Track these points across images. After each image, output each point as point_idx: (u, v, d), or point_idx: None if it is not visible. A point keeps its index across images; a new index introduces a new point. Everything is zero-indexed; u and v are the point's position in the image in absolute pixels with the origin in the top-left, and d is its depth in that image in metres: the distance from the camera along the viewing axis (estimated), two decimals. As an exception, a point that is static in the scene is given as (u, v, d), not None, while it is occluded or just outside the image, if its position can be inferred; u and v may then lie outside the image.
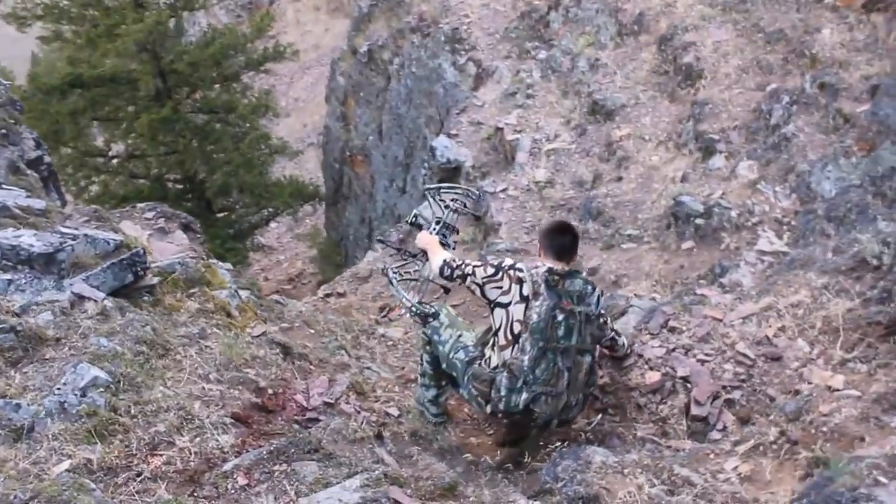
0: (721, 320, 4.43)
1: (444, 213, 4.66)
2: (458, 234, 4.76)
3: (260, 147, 17.00)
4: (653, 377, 4.10)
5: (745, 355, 4.07)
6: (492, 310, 3.84)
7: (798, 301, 4.38)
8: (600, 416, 4.06)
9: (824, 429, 3.30)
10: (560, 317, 3.63)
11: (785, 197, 6.38)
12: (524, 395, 3.64)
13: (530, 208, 8.21)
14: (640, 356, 4.27)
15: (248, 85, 17.96)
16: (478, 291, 3.89)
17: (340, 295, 8.66)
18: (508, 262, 3.87)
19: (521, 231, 7.95)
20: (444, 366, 4.09)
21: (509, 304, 3.74)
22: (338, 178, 17.54)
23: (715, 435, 3.68)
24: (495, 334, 3.81)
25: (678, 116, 8.35)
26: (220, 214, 17.53)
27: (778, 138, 6.94)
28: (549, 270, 3.72)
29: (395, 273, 4.59)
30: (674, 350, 4.23)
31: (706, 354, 4.15)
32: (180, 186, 16.95)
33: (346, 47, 16.90)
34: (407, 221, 4.82)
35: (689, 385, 3.98)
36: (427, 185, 4.90)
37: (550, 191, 8.32)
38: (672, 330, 4.42)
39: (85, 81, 14.62)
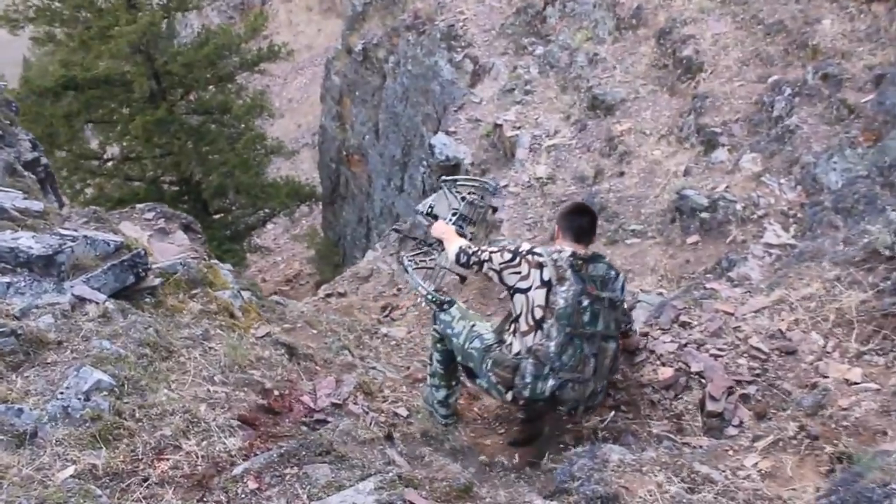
0: (732, 314, 4.36)
1: (460, 204, 4.59)
2: (474, 226, 4.70)
3: (255, 147, 16.93)
4: (665, 373, 4.03)
5: (758, 349, 4.01)
6: (511, 296, 3.75)
7: (810, 294, 4.33)
8: (613, 413, 3.99)
9: (845, 423, 3.24)
10: (585, 302, 3.54)
11: (790, 189, 6.31)
12: (550, 382, 3.55)
13: (531, 205, 8.14)
14: (652, 352, 4.21)
15: (242, 86, 17.89)
16: (496, 278, 3.81)
17: (341, 295, 8.59)
18: (526, 246, 3.77)
19: (522, 227, 7.88)
20: (459, 358, 4.01)
21: (529, 289, 3.65)
22: (334, 177, 17.46)
23: (731, 431, 3.61)
24: (516, 320, 3.71)
25: (679, 110, 8.28)
26: (217, 216, 17.47)
27: (781, 130, 6.88)
28: (574, 255, 3.63)
29: (410, 261, 4.52)
30: (686, 345, 4.16)
31: (719, 349, 4.09)
32: (176, 188, 16.87)
33: (340, 46, 16.82)
34: (422, 212, 4.74)
35: (703, 380, 3.91)
36: (443, 177, 4.84)
37: (552, 187, 8.25)
38: (683, 325, 4.36)
39: (79, 83, 14.54)
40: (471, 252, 3.93)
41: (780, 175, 6.50)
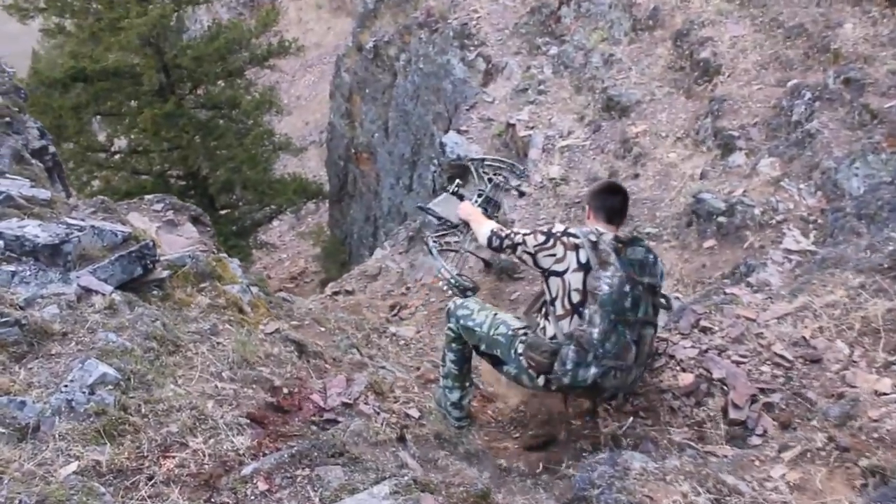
0: (754, 320, 4.26)
1: (486, 186, 4.47)
2: (499, 209, 4.56)
3: (263, 143, 16.84)
4: (686, 379, 3.92)
5: (782, 357, 3.90)
6: (546, 279, 3.63)
7: (834, 301, 4.22)
8: (631, 419, 3.87)
9: (875, 435, 3.13)
10: (627, 288, 3.40)
11: (810, 195, 6.19)
12: (593, 370, 3.41)
13: (544, 205, 8.03)
14: (672, 357, 4.09)
15: (251, 81, 17.81)
16: (529, 261, 3.68)
17: (349, 293, 8.48)
18: (559, 227, 3.65)
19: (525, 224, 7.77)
20: (483, 347, 3.90)
21: (565, 271, 3.53)
22: (342, 175, 17.37)
23: (755, 440, 3.50)
24: (552, 304, 3.60)
25: (695, 113, 8.16)
26: (223, 211, 17.38)
27: (801, 135, 6.76)
28: (616, 238, 3.49)
29: (435, 242, 4.38)
30: (707, 351, 4.05)
31: (741, 356, 3.98)
32: (183, 183, 16.79)
33: (351, 44, 16.73)
34: (449, 191, 4.60)
35: (725, 387, 3.80)
36: (472, 157, 4.71)
37: (565, 188, 8.13)
38: (704, 330, 4.25)
39: (88, 75, 14.46)
40: (503, 235, 3.80)
41: (799, 180, 6.38)
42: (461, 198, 4.42)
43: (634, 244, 3.53)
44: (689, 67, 8.68)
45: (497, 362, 3.90)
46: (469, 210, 4.22)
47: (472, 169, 4.57)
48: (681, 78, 8.73)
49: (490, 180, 4.52)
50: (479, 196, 4.36)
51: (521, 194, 5.53)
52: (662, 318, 4.18)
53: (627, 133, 8.33)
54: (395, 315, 7.25)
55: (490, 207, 4.40)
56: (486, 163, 4.67)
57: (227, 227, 16.28)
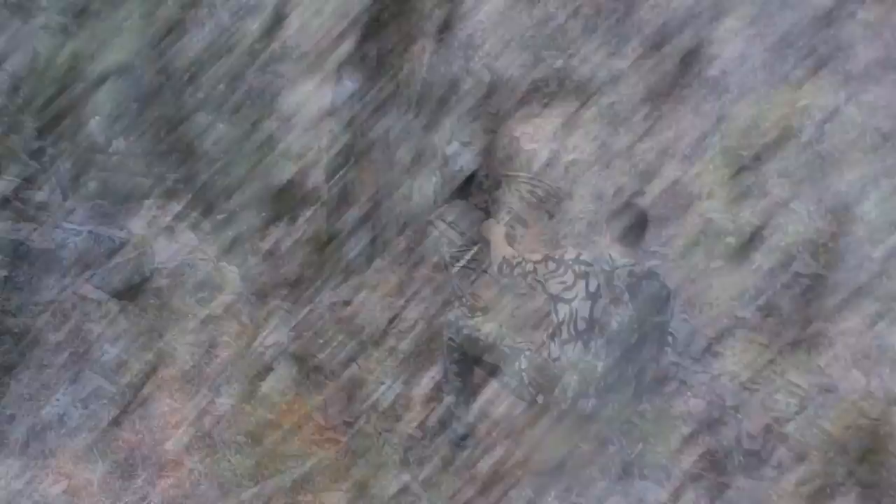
0: (767, 346, 4.16)
1: (518, 203, 4.39)
2: (527, 227, 4.49)
3: (264, 149, 16.79)
4: (698, 405, 3.82)
5: (797, 385, 3.80)
6: (554, 303, 3.60)
7: (849, 328, 4.13)
8: (641, 445, 3.77)
9: (898, 471, 3.03)
10: (636, 325, 3.40)
11: (820, 217, 6.10)
12: (592, 402, 3.44)
13: (547, 221, 7.93)
14: (683, 382, 3.99)
15: (253, 86, 17.77)
16: (539, 289, 3.69)
17: (346, 303, 8.37)
18: (572, 253, 3.62)
19: (538, 244, 7.68)
20: (483, 356, 3.87)
21: (573, 299, 3.50)
22: (342, 183, 17.31)
23: (769, 472, 3.41)
24: (558, 326, 3.57)
25: (703, 131, 8.09)
26: (221, 216, 17.30)
27: (811, 156, 6.68)
28: (631, 273, 3.46)
29: (452, 258, 4.31)
30: (719, 376, 3.96)
31: (754, 382, 3.88)
32: (181, 187, 16.71)
33: (353, 51, 16.70)
34: (476, 206, 4.54)
35: (738, 415, 3.70)
36: (505, 172, 4.65)
37: (569, 203, 8.04)
38: (715, 354, 4.15)
39: (88, 75, 14.38)
40: (514, 264, 3.76)
41: (809, 202, 6.29)
42: (487, 213, 4.35)
43: (649, 278, 3.53)
44: (698, 85, 8.61)
45: (497, 373, 3.86)
46: (492, 230, 4.17)
47: (504, 185, 4.50)
48: (688, 95, 8.65)
49: (522, 198, 4.46)
50: (508, 214, 4.29)
51: (551, 216, 5.45)
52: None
53: (633, 149, 8.25)
54: (393, 327, 7.15)
55: (517, 225, 4.33)
56: (520, 180, 4.60)
57: (224, 233, 16.21)
